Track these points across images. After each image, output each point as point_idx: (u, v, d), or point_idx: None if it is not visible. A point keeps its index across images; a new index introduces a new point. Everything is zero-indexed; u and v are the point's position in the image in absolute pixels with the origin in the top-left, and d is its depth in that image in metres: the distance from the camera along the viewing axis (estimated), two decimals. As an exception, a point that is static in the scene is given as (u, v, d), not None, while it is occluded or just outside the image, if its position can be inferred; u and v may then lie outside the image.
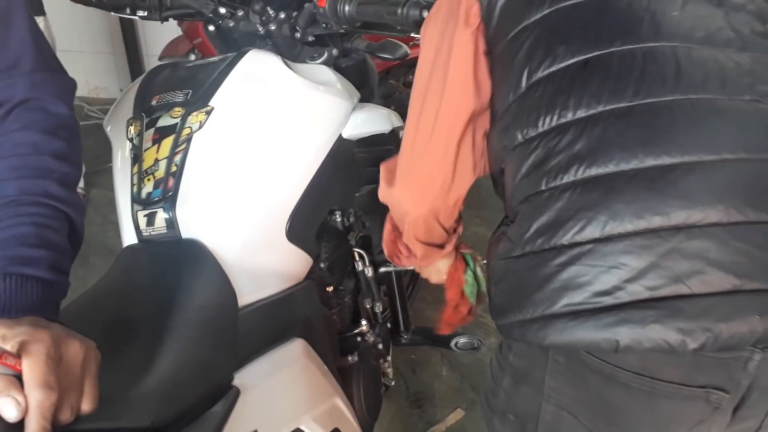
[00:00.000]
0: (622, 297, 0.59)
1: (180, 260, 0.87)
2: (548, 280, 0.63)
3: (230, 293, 0.87)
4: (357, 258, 1.37)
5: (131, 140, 0.96)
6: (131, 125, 0.97)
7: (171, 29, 2.43)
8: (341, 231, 1.28)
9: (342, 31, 1.25)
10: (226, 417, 0.71)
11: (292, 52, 1.21)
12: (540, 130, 0.66)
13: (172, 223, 0.89)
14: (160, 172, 0.91)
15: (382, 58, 1.23)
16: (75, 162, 0.74)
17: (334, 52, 1.27)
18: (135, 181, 0.92)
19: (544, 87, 0.66)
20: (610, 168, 0.61)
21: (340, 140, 1.08)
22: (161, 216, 0.89)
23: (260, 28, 1.19)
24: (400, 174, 0.85)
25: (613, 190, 0.61)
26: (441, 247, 0.93)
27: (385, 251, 1.00)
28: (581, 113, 0.63)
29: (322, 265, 1.22)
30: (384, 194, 0.90)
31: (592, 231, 0.61)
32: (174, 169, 0.90)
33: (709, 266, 0.58)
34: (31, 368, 0.49)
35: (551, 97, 0.65)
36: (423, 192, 0.83)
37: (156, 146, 0.92)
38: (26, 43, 0.73)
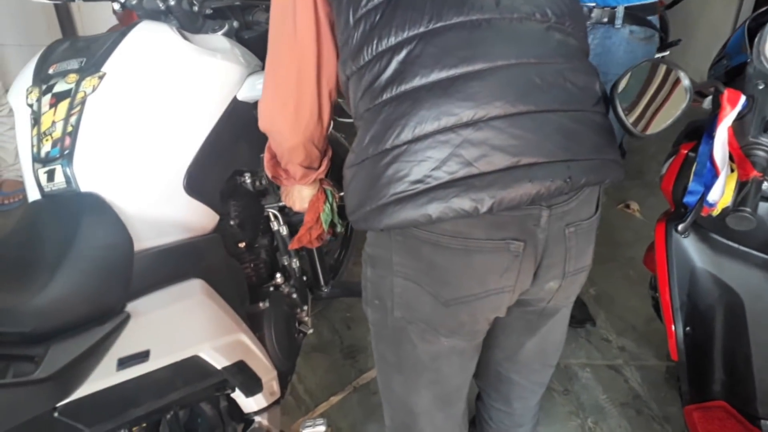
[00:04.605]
0: (431, 182, 0.75)
1: (79, 211, 0.97)
2: (379, 178, 0.79)
3: (125, 238, 0.97)
4: (272, 218, 1.49)
5: (30, 106, 1.04)
6: (30, 92, 1.06)
7: (108, 19, 2.46)
8: (252, 192, 1.39)
9: (237, 2, 1.36)
10: (113, 334, 0.82)
11: (194, 26, 1.31)
12: (366, 59, 0.81)
13: (70, 179, 0.98)
14: (57, 133, 1.00)
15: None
16: None
17: (235, 24, 1.37)
18: (35, 143, 1.01)
19: (364, 23, 0.81)
20: (415, 83, 0.77)
21: (235, 102, 1.18)
22: (60, 172, 0.98)
23: (161, 4, 1.28)
24: (279, 108, 0.95)
25: (418, 100, 0.76)
26: (315, 168, 1.07)
27: (268, 174, 1.11)
28: (392, 41, 0.78)
29: (231, 222, 1.33)
30: (265, 124, 0.99)
31: (406, 134, 0.76)
32: (70, 129, 1.00)
33: (492, 150, 0.74)
34: None
35: (370, 31, 0.80)
36: (299, 122, 0.96)
37: (53, 109, 1.01)
38: None
